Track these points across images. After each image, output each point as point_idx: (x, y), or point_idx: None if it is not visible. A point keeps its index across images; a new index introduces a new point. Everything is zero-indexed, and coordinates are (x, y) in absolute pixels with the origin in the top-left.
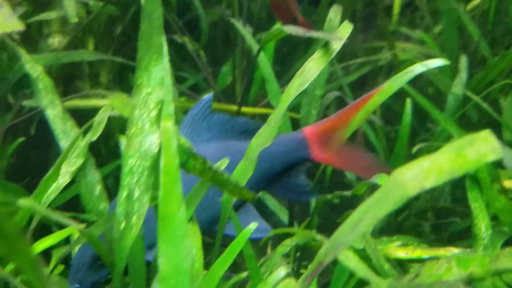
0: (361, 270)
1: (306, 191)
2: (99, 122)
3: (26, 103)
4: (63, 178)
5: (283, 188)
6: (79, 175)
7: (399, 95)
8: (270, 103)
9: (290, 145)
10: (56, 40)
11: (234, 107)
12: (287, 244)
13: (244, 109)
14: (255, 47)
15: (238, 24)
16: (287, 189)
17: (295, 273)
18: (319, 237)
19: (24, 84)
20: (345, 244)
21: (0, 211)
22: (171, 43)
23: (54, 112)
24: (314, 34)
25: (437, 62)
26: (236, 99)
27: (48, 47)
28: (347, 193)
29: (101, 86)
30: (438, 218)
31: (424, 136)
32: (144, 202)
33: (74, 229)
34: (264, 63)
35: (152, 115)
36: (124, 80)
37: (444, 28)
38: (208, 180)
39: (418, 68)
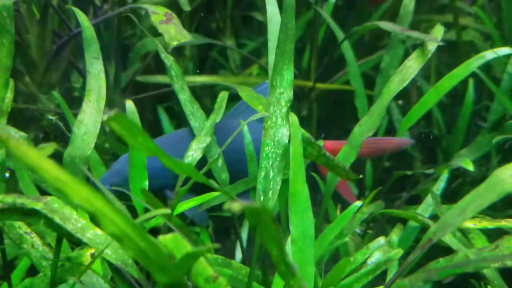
0: (453, 242)
1: None
2: (220, 106)
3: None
4: (196, 153)
5: None
6: (206, 150)
7: None
8: (350, 82)
9: None
10: None
11: (309, 83)
12: (365, 212)
13: (319, 85)
14: (340, 35)
15: (323, 11)
16: None
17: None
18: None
19: None
20: (454, 225)
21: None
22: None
23: (184, 96)
24: (411, 33)
25: (506, 51)
26: (311, 75)
27: None
28: (430, 171)
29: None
30: None
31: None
32: (277, 181)
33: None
34: (347, 48)
35: (283, 111)
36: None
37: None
38: (322, 163)
39: (489, 54)
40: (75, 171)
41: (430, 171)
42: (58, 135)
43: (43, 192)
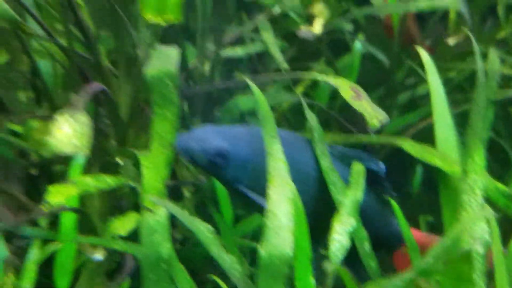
0: None
1: None
2: (357, 180)
3: None
4: (343, 238)
5: None
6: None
7: None
8: None
9: None
10: None
11: None
12: None
13: None
14: None
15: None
16: None
17: None
18: None
19: None
20: None
21: None
22: None
23: (325, 163)
24: None
25: None
26: None
27: None
28: None
29: None
30: None
31: None
32: None
33: None
34: None
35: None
36: None
37: None
38: None
39: None
40: (275, 274)
41: None
42: None
43: None
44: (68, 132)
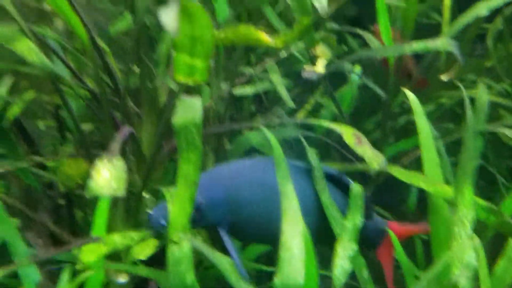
0: None
1: None
2: (356, 203)
3: None
4: (344, 263)
5: None
6: None
7: None
8: None
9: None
10: None
11: None
12: None
13: None
14: None
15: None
16: None
17: None
18: None
19: None
20: None
21: None
22: None
23: (325, 198)
24: None
25: None
26: None
27: None
28: None
29: None
30: None
31: None
32: None
33: None
34: None
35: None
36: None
37: None
38: None
39: None
40: None
41: None
42: None
43: None
44: (107, 176)
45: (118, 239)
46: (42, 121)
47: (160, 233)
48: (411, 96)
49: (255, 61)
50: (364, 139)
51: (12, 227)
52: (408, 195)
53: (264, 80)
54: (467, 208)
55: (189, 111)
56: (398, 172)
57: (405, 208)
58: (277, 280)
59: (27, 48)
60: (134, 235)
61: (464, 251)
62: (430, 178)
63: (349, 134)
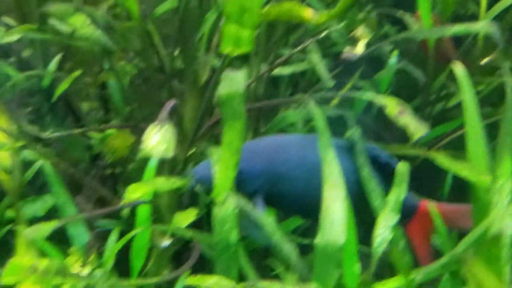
0: None
1: None
2: (401, 180)
3: None
4: (386, 232)
5: None
6: None
7: None
8: None
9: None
10: None
11: None
12: None
13: None
14: None
15: None
16: None
17: None
18: None
19: None
20: None
21: None
22: None
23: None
24: None
25: None
26: None
27: None
28: None
29: None
30: None
31: None
32: None
33: None
34: None
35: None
36: None
37: None
38: None
39: None
40: (329, 259)
41: None
42: None
43: None
44: (157, 140)
45: (162, 181)
46: (86, 103)
47: (201, 188)
48: (459, 68)
49: (294, 43)
50: (409, 110)
51: (64, 190)
52: (443, 182)
53: (303, 61)
54: (506, 178)
55: (233, 83)
56: (444, 160)
57: (438, 195)
58: (318, 240)
59: (81, 23)
60: (177, 181)
61: (503, 218)
62: (474, 166)
63: (393, 105)
